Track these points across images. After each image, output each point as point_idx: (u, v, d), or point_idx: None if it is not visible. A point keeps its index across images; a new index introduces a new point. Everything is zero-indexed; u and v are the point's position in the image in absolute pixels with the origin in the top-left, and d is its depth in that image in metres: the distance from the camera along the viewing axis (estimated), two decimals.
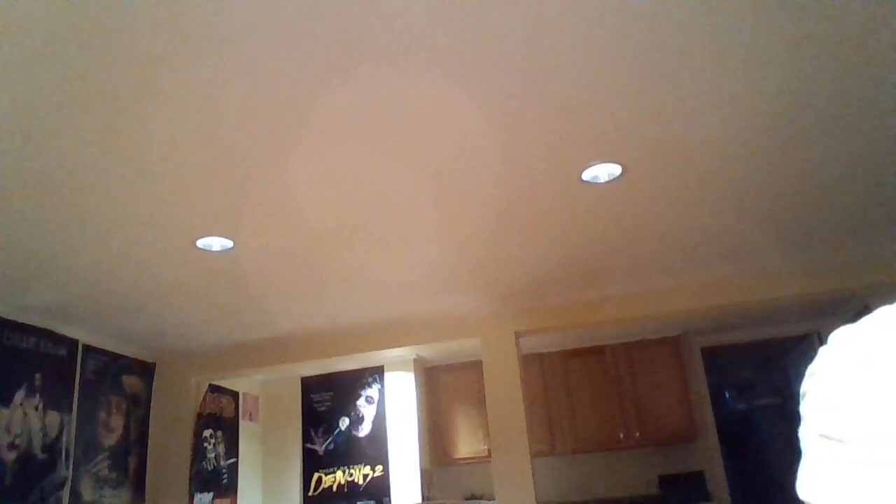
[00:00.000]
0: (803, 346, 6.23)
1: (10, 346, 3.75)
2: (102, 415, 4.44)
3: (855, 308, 5.32)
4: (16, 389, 3.75)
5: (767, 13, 1.92)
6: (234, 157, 2.44)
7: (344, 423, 5.86)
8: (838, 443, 0.51)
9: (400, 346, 5.01)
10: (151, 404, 4.98)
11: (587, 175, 2.82)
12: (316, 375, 6.01)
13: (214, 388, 5.40)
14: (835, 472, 0.51)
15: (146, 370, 4.97)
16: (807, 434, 0.55)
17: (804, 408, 0.56)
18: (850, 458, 0.50)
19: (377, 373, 5.86)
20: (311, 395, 6.02)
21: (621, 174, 2.83)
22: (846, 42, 2.08)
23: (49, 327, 4.04)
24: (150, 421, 4.93)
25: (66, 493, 4.01)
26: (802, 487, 0.54)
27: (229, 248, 3.24)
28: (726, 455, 5.89)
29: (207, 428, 5.24)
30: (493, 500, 4.66)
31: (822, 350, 0.57)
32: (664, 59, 2.10)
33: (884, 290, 4.42)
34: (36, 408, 3.87)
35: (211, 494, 5.16)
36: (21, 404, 3.76)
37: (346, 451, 5.77)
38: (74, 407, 4.18)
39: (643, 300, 4.61)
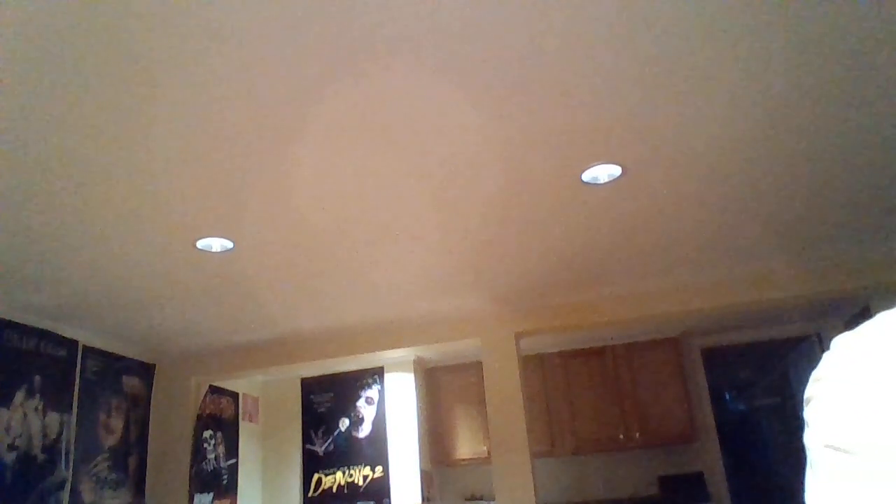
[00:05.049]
0: (803, 347, 6.22)
1: (10, 346, 3.75)
2: (102, 416, 4.44)
3: (855, 309, 5.32)
4: (16, 390, 3.74)
5: (768, 14, 1.92)
6: (234, 157, 2.44)
7: (344, 423, 5.86)
8: (845, 454, 0.51)
9: (400, 347, 5.00)
10: (151, 405, 4.98)
11: (587, 176, 2.82)
12: (316, 376, 6.01)
13: (214, 389, 5.40)
14: (842, 484, 0.50)
15: (146, 371, 4.97)
16: (813, 443, 0.55)
17: (809, 414, 0.56)
18: (858, 471, 0.49)
19: (377, 374, 5.85)
20: (311, 396, 6.02)
21: (621, 175, 2.84)
22: (846, 42, 2.08)
23: (49, 328, 4.04)
24: (150, 422, 4.93)
25: (65, 494, 4.01)
26: (812, 500, 0.53)
27: (229, 249, 3.24)
28: (726, 456, 5.89)
29: (207, 429, 5.24)
30: (493, 500, 4.66)
31: (825, 356, 0.57)
32: (664, 60, 2.10)
33: (884, 291, 4.42)
34: (36, 409, 3.86)
35: (211, 495, 5.16)
36: (21, 405, 3.76)
37: (346, 452, 5.77)
38: (74, 408, 4.18)
39: (643, 300, 4.60)
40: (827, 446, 0.52)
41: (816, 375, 0.56)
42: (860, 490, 0.49)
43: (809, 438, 0.55)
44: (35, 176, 2.44)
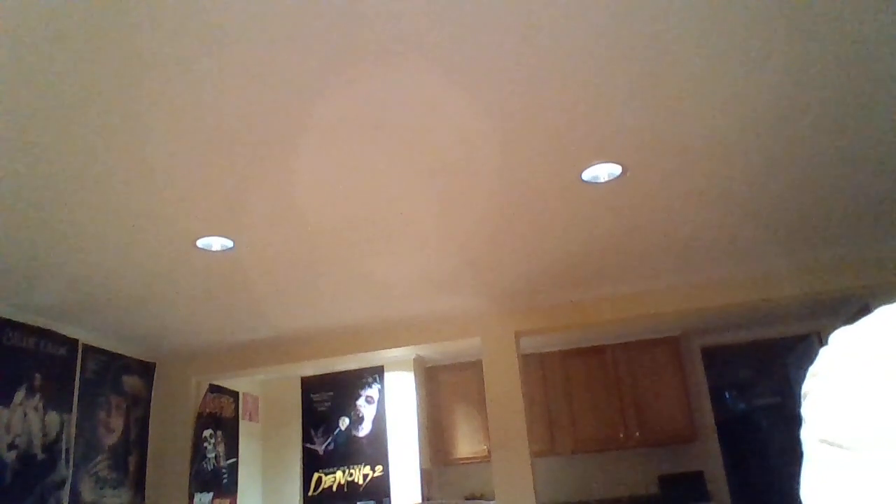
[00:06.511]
0: (803, 347, 6.23)
1: (11, 345, 3.75)
2: (102, 415, 4.44)
3: (855, 308, 5.32)
4: (16, 389, 3.75)
5: (767, 13, 1.92)
6: (234, 157, 2.44)
7: (344, 422, 5.86)
8: (841, 449, 0.51)
9: (400, 346, 5.00)
10: (151, 404, 4.98)
11: (587, 175, 2.82)
12: (316, 375, 6.01)
13: (214, 388, 5.40)
14: (838, 479, 0.50)
15: (146, 370, 4.97)
16: (809, 438, 0.54)
17: (805, 410, 0.56)
18: (853, 465, 0.49)
19: (377, 373, 5.85)
20: (311, 395, 6.02)
21: (621, 174, 2.84)
22: (846, 42, 2.08)
23: (49, 327, 4.04)
24: (150, 421, 4.93)
25: (65, 493, 4.01)
26: (806, 494, 0.53)
27: (229, 248, 3.24)
28: (726, 455, 5.89)
29: (207, 428, 5.24)
30: (493, 500, 4.66)
31: (822, 351, 0.57)
32: (664, 60, 2.10)
33: (884, 290, 4.42)
34: (36, 408, 3.86)
35: (211, 494, 5.16)
36: (21, 404, 3.76)
37: (346, 451, 5.77)
38: (74, 407, 4.18)
39: (643, 300, 4.60)
40: (822, 441, 0.52)
41: (813, 371, 0.56)
42: (855, 485, 0.49)
43: (805, 433, 0.55)
44: (35, 176, 2.44)
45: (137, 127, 2.21)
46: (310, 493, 5.77)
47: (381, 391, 5.83)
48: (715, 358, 6.23)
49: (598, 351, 5.93)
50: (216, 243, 3.18)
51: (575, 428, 5.79)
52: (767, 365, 7.16)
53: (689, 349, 5.99)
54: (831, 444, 0.51)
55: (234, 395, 5.73)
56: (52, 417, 3.98)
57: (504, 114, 2.32)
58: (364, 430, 5.78)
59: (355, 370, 5.88)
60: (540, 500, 4.81)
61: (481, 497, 5.85)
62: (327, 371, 5.89)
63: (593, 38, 1.97)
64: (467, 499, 5.91)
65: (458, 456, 5.88)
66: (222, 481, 5.36)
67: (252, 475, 5.85)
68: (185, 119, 2.18)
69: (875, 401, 0.50)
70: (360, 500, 5.60)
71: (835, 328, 0.58)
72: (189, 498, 4.84)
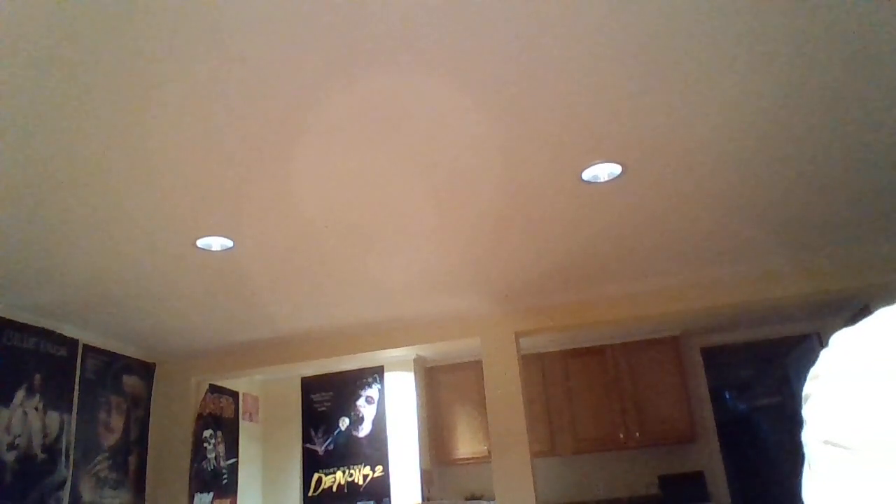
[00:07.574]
0: (803, 347, 6.23)
1: (11, 346, 3.75)
2: (102, 415, 4.44)
3: (855, 308, 5.32)
4: (16, 389, 3.75)
5: (767, 13, 1.92)
6: (234, 157, 2.44)
7: (344, 423, 5.86)
8: (844, 450, 0.51)
9: (400, 347, 5.01)
10: (151, 404, 4.98)
11: (587, 175, 2.82)
12: (316, 375, 6.01)
13: (214, 389, 5.40)
14: (840, 480, 0.50)
15: (146, 370, 4.97)
16: (811, 439, 0.55)
17: (807, 411, 0.56)
18: (855, 466, 0.49)
19: (377, 373, 5.85)
20: (311, 396, 6.02)
21: (621, 174, 2.84)
22: (846, 42, 2.08)
23: (49, 327, 4.04)
24: (150, 421, 4.93)
25: (65, 494, 4.01)
26: (808, 496, 0.53)
27: (229, 248, 3.24)
28: (726, 455, 5.89)
29: (207, 428, 5.24)
30: (493, 500, 4.66)
31: (823, 353, 0.57)
32: (664, 60, 2.10)
33: (883, 290, 4.42)
34: (36, 408, 3.86)
35: (211, 495, 5.16)
36: (21, 404, 3.76)
37: (346, 452, 5.77)
38: (74, 407, 4.18)
39: (643, 300, 4.60)
40: (825, 442, 0.52)
41: (814, 372, 0.56)
42: (859, 486, 0.49)
43: (807, 435, 0.55)
44: (36, 176, 2.44)
45: (137, 127, 2.21)
46: (310, 494, 5.77)
47: (381, 391, 5.82)
48: (715, 358, 6.23)
49: (598, 351, 5.93)
50: (216, 243, 3.18)
51: (575, 428, 5.79)
52: (767, 365, 7.16)
53: (689, 349, 5.99)
54: (835, 445, 0.51)
55: (234, 395, 5.73)
56: (52, 417, 3.98)
57: (504, 114, 2.32)
58: (364, 430, 5.78)
59: (355, 370, 5.88)
60: (540, 500, 4.81)
61: (481, 497, 5.85)
62: (327, 371, 5.89)
63: (593, 38, 1.97)
64: (467, 499, 5.91)
65: (458, 456, 5.88)
66: (222, 481, 5.36)
67: (252, 475, 5.85)
68: (186, 119, 2.18)
69: (877, 402, 0.50)
70: (360, 501, 5.60)
71: (835, 328, 0.59)
72: (189, 498, 4.84)
